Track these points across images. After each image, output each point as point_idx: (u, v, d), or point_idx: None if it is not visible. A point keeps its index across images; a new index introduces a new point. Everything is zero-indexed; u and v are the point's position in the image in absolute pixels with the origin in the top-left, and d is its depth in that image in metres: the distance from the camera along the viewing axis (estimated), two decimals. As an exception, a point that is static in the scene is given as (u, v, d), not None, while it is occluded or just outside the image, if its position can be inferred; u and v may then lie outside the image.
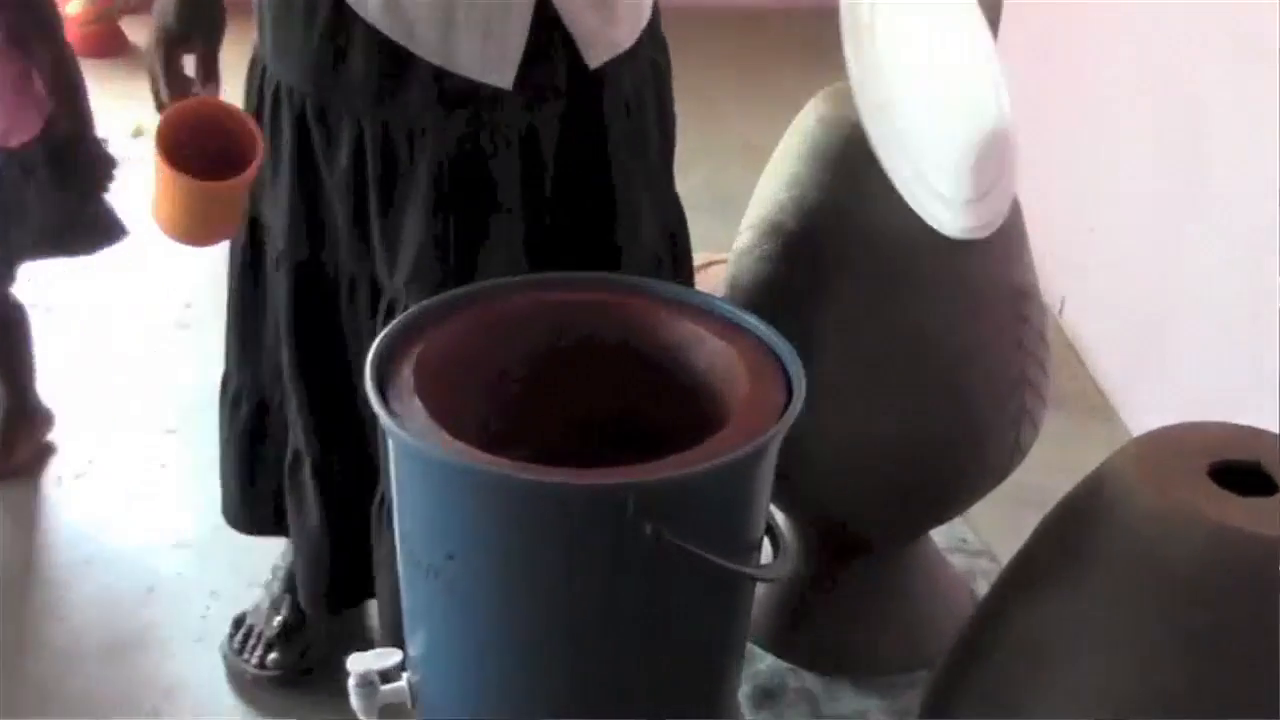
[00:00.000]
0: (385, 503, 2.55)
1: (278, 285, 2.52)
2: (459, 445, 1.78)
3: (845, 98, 2.47)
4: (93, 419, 3.80)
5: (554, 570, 1.82)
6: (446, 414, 1.84)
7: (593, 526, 1.78)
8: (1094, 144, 3.25)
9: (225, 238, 2.31)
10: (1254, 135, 2.93)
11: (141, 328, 4.13)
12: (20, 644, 2.98)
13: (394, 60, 2.28)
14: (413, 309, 2.03)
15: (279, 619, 2.72)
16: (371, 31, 2.26)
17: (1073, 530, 1.89)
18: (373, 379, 1.86)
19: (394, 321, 2.00)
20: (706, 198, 3.73)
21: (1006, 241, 2.48)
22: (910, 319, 2.42)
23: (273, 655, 2.72)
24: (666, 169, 2.65)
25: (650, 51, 2.53)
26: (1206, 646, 1.76)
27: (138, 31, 4.98)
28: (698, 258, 3.37)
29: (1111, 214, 3.49)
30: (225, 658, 2.78)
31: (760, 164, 2.59)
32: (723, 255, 2.74)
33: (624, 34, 2.43)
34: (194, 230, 2.24)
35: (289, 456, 2.69)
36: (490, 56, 2.28)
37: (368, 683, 2.01)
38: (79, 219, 3.53)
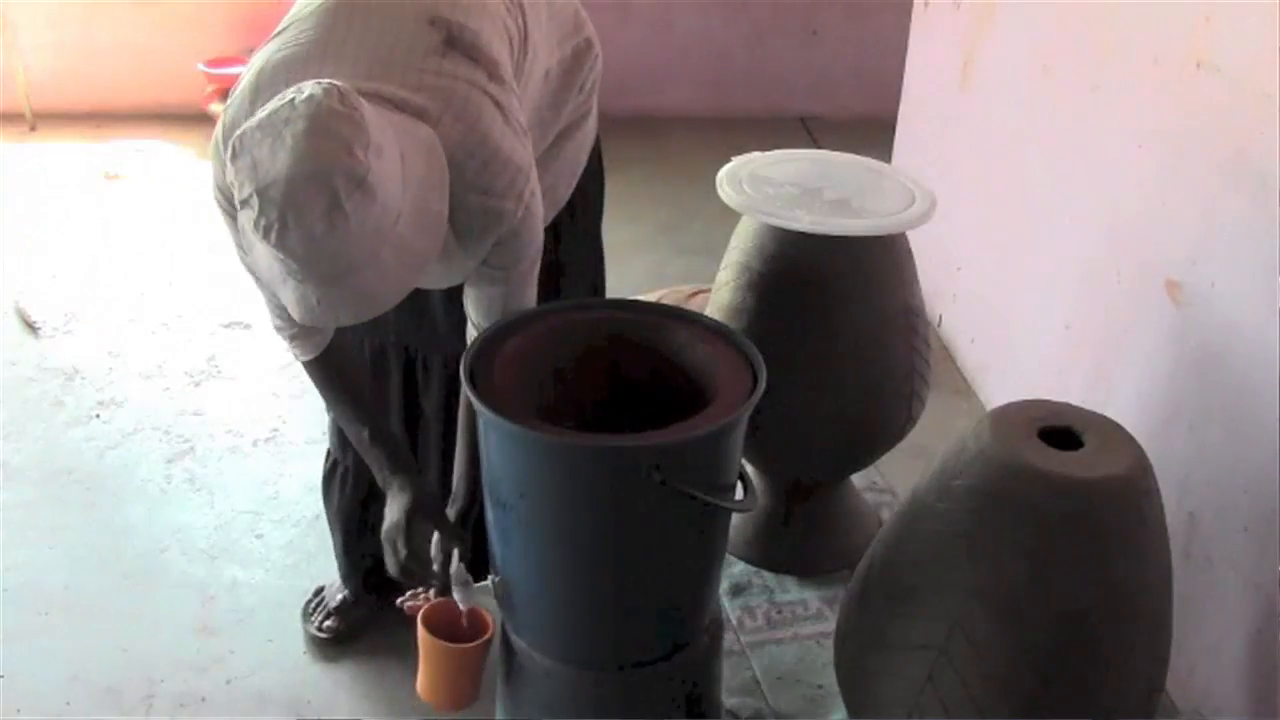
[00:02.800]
0: None
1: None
2: (526, 419, 1.79)
3: (791, 179, 2.49)
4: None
5: (592, 505, 1.84)
6: (518, 395, 1.84)
7: (618, 475, 1.80)
8: (960, 212, 3.27)
9: (473, 698, 2.06)
10: (1062, 206, 2.95)
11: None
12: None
13: None
14: (491, 326, 1.98)
15: (340, 596, 2.66)
16: None
17: (946, 475, 1.90)
18: (466, 373, 1.86)
19: (482, 332, 1.97)
20: (699, 245, 3.74)
21: (902, 274, 2.50)
22: (836, 329, 2.44)
23: (328, 622, 2.66)
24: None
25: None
26: (1037, 552, 1.79)
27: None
28: (689, 288, 3.38)
29: (972, 258, 3.51)
30: (302, 614, 2.73)
31: (733, 223, 2.59)
32: (708, 286, 2.75)
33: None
34: (446, 690, 2.05)
35: (328, 465, 2.55)
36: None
37: (464, 580, 2.01)
38: None
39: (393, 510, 2.04)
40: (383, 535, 2.03)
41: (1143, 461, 1.84)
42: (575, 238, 2.36)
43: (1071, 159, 2.95)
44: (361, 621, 2.63)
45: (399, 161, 1.61)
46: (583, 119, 2.28)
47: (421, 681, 2.06)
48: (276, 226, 1.53)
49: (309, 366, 2.08)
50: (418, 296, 2.31)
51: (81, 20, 5.14)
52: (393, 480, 2.06)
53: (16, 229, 4.32)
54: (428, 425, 2.41)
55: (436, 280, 1.98)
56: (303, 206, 1.52)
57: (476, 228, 1.80)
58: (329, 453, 2.55)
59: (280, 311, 1.96)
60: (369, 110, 1.59)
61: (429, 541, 2.02)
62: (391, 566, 2.03)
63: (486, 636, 2.03)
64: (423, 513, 2.01)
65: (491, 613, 2.05)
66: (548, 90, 2.14)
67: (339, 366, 2.08)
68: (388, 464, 2.07)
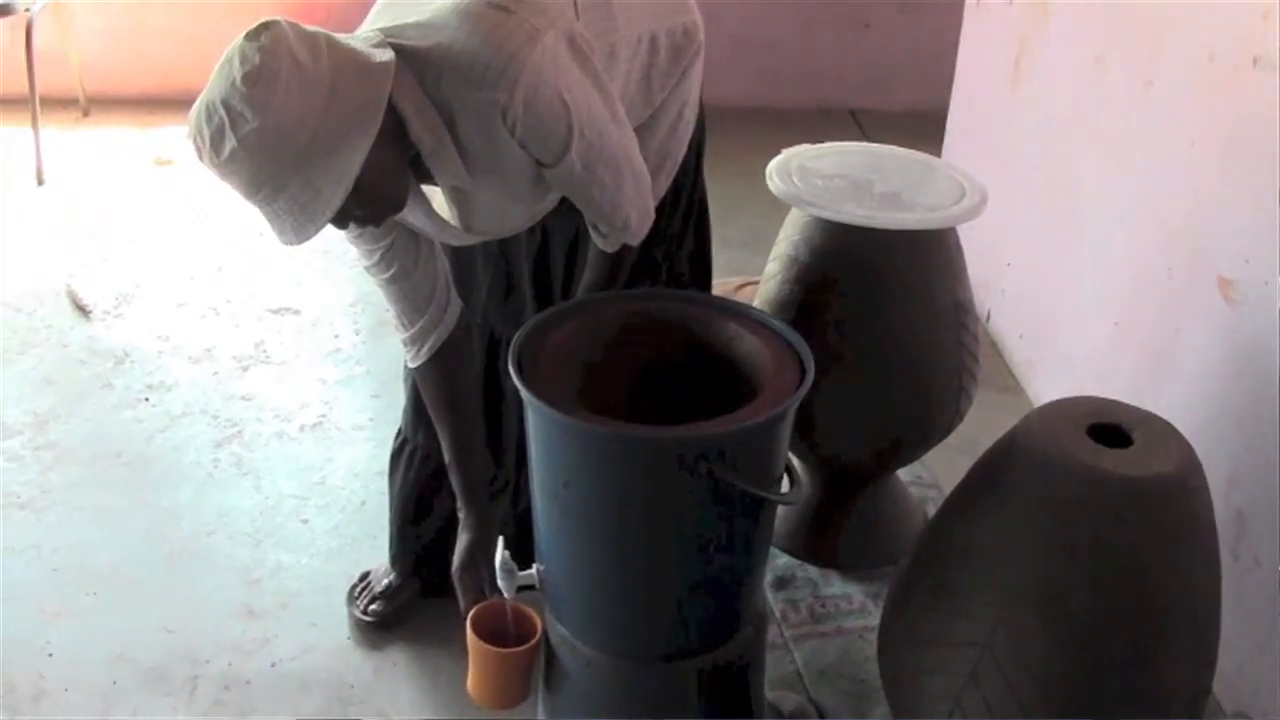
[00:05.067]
0: (507, 482, 2.53)
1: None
2: (572, 407, 1.80)
3: (841, 171, 2.48)
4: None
5: (637, 495, 1.84)
6: (564, 383, 1.85)
7: (664, 466, 1.80)
8: (1010, 207, 3.25)
9: (522, 699, 2.11)
10: (1113, 204, 2.93)
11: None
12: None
13: None
14: (539, 315, 2.02)
15: (386, 581, 2.67)
16: None
17: (993, 471, 1.90)
18: (514, 362, 1.86)
19: (528, 322, 1.99)
20: (746, 237, 3.73)
21: (952, 271, 2.48)
22: (885, 323, 2.43)
23: (374, 606, 2.67)
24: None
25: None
26: (1084, 549, 1.78)
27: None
28: (737, 280, 3.38)
29: (1022, 253, 3.49)
30: (347, 599, 2.74)
31: (782, 216, 2.59)
32: (755, 279, 2.75)
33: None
34: (494, 692, 2.10)
35: (397, 441, 2.58)
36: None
37: (509, 569, 2.02)
38: None
39: (458, 550, 2.18)
40: (453, 574, 2.17)
41: (1192, 460, 1.82)
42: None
43: (1124, 155, 2.93)
44: (406, 606, 2.65)
45: (319, 92, 1.67)
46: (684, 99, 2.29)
47: (471, 682, 2.10)
48: (194, 150, 1.71)
49: (419, 373, 2.19)
50: (507, 276, 2.33)
51: (134, 6, 5.18)
52: (462, 511, 2.19)
53: (69, 213, 4.37)
54: (509, 408, 2.43)
55: (509, 209, 2.04)
56: (201, 131, 1.68)
57: (484, 127, 1.83)
58: (400, 431, 2.57)
59: (398, 315, 2.13)
60: (296, 45, 1.68)
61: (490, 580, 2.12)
62: (462, 605, 2.14)
63: (534, 640, 2.05)
64: (479, 559, 2.15)
65: (538, 607, 2.07)
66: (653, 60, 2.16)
67: (446, 375, 2.17)
68: (463, 494, 2.19)
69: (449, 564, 2.18)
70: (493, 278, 2.36)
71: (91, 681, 2.52)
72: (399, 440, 2.58)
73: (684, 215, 2.41)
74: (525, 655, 2.05)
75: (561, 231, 2.31)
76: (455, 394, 2.19)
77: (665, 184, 2.28)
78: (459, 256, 2.32)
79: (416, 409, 2.46)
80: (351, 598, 2.69)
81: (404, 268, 2.07)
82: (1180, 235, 2.64)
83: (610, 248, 2.11)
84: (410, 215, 2.00)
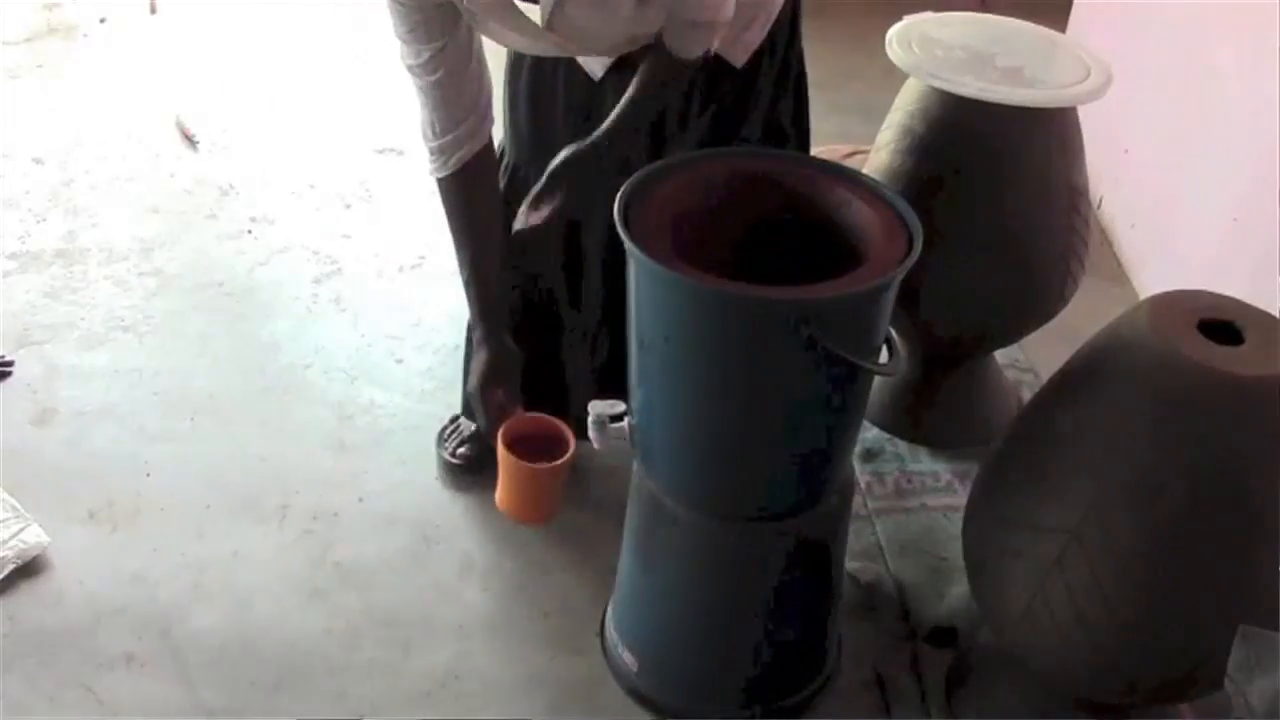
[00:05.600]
0: (584, 333, 2.50)
1: None
2: (678, 263, 1.77)
3: (964, 42, 2.41)
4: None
5: (736, 355, 1.83)
6: (669, 238, 1.83)
7: (765, 327, 1.79)
8: (1134, 91, 3.15)
9: (553, 514, 2.15)
10: (1247, 93, 2.83)
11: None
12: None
13: None
14: (646, 168, 1.98)
15: (473, 426, 2.68)
16: None
17: (1098, 359, 1.86)
18: (620, 215, 1.85)
19: (634, 175, 1.96)
20: (856, 105, 3.66)
21: (1069, 153, 2.43)
22: (996, 201, 2.38)
23: (462, 449, 2.69)
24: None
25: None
26: (1184, 445, 1.75)
27: None
28: (846, 147, 3.32)
29: (1141, 140, 3.39)
30: (436, 440, 2.76)
31: (896, 84, 2.53)
32: (866, 147, 2.70)
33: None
34: (527, 508, 2.12)
35: None
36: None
37: (601, 422, 2.03)
38: None
39: (474, 370, 2.18)
40: (470, 393, 2.18)
41: (1306, 361, 1.78)
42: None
43: (1260, 41, 2.81)
44: (493, 451, 2.67)
45: None
46: None
47: (501, 496, 2.12)
48: None
49: (442, 185, 2.14)
50: (587, 120, 2.30)
51: None
52: (478, 327, 2.18)
53: (180, 44, 4.38)
54: (590, 261, 2.41)
55: (605, 21, 1.99)
56: None
57: None
58: None
59: (432, 121, 2.06)
60: None
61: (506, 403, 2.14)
62: (483, 424, 2.17)
63: (567, 456, 2.06)
64: (497, 378, 2.16)
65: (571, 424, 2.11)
66: None
67: (469, 193, 2.13)
68: (478, 307, 2.17)
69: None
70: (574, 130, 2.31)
71: (186, 503, 2.58)
72: None
73: (780, 74, 2.34)
74: (558, 471, 2.06)
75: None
76: (478, 213, 2.15)
77: (760, 35, 2.22)
78: (538, 104, 2.29)
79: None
80: (441, 439, 2.72)
81: (451, 73, 2.02)
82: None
83: (693, 50, 2.02)
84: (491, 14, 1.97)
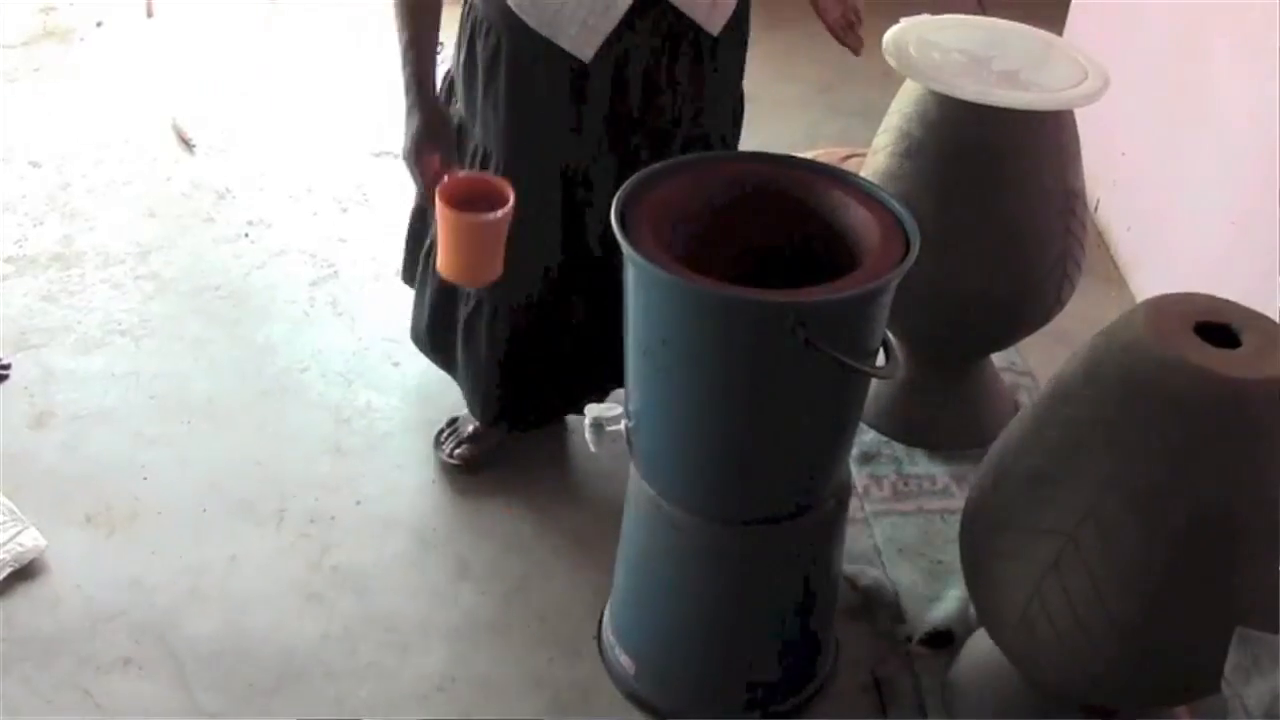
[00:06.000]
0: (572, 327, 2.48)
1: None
2: (675, 267, 1.78)
3: (960, 45, 2.41)
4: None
5: (733, 357, 1.84)
6: (666, 241, 1.84)
7: (762, 330, 1.79)
8: (1131, 94, 3.16)
9: (495, 274, 2.12)
10: (1245, 95, 2.83)
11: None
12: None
13: None
14: (643, 171, 1.98)
15: (471, 427, 2.69)
16: None
17: (1094, 363, 1.86)
18: (617, 218, 1.85)
19: (630, 179, 1.96)
20: (855, 106, 3.65)
21: (1065, 155, 2.43)
22: (993, 204, 2.39)
23: (460, 450, 2.69)
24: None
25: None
26: (1181, 450, 1.75)
27: None
28: (844, 150, 3.33)
29: (1138, 143, 3.39)
30: (433, 442, 2.77)
31: (894, 87, 2.54)
32: (863, 150, 2.71)
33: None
34: (469, 267, 2.10)
35: (469, 308, 2.49)
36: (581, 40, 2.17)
37: (598, 425, 2.03)
38: None
39: (408, 133, 2.16)
40: (403, 158, 2.18)
41: (1302, 364, 1.78)
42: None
43: (1258, 42, 2.82)
44: (491, 451, 2.68)
45: None
46: None
47: (441, 258, 2.11)
48: None
49: None
50: (578, 115, 2.28)
51: None
52: (410, 93, 2.16)
53: (177, 47, 4.37)
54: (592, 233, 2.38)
55: None
56: None
57: None
58: (469, 294, 2.52)
59: None
60: None
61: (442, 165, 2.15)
62: (420, 186, 2.19)
63: (506, 209, 2.04)
64: (432, 139, 2.15)
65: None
66: None
67: None
68: (413, 72, 2.15)
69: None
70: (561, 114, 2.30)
71: (183, 507, 2.58)
72: (471, 304, 2.51)
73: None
74: (499, 224, 2.04)
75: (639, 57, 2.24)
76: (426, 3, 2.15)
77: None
78: (519, 102, 2.28)
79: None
80: (438, 441, 2.73)
81: None
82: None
83: None
84: None
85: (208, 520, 2.56)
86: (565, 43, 2.16)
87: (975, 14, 2.67)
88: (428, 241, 2.54)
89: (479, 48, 2.27)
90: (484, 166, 2.32)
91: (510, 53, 2.22)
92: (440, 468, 2.69)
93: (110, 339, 3.01)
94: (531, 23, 2.17)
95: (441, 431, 2.74)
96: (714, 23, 2.22)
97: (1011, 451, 1.98)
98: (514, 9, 2.17)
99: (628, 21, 2.14)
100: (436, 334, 2.60)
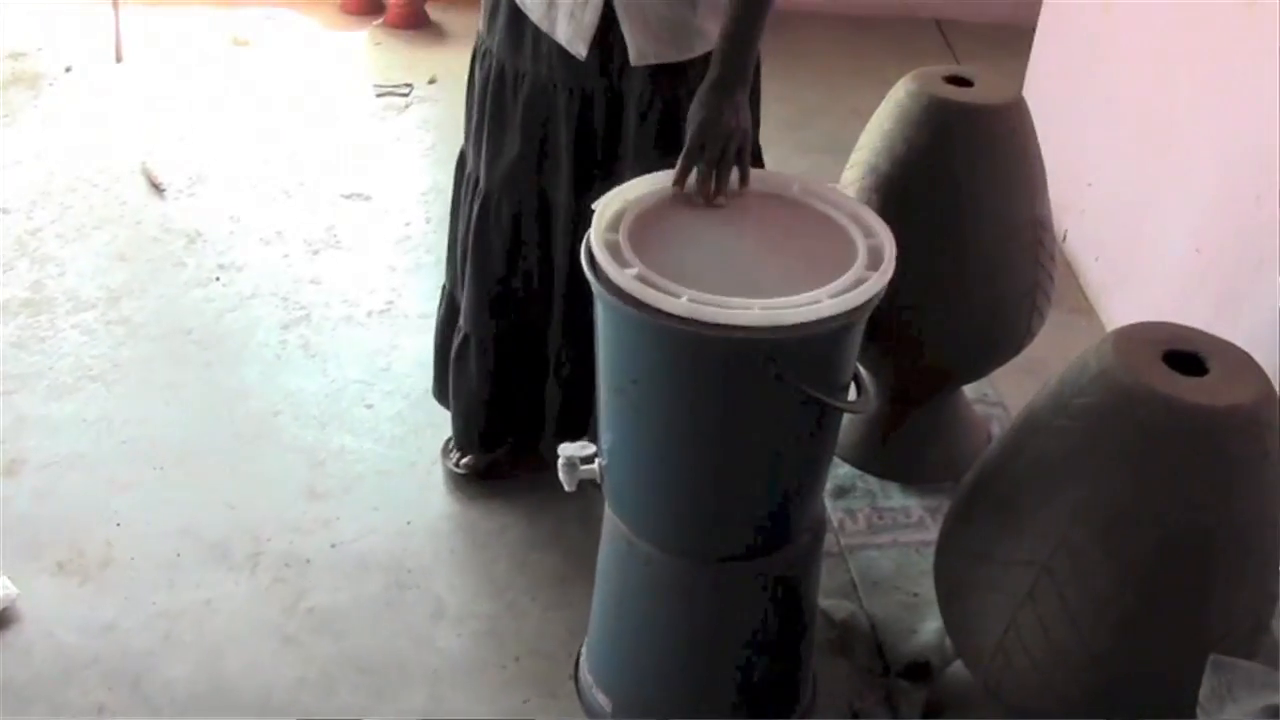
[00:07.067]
0: (554, 362, 2.50)
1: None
2: (642, 302, 1.77)
3: (927, 78, 2.43)
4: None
5: (704, 394, 1.85)
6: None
7: (733, 366, 1.79)
8: (1095, 126, 3.19)
9: None
10: (1204, 125, 2.87)
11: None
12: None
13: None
14: (613, 191, 1.98)
15: None
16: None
17: (1065, 394, 1.88)
18: (587, 257, 1.85)
19: (604, 197, 1.96)
20: (825, 143, 3.67)
21: (1032, 187, 2.45)
22: (962, 237, 2.40)
23: (465, 460, 2.70)
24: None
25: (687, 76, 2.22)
26: (1152, 478, 1.76)
27: (436, 12, 4.90)
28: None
29: (1104, 174, 3.42)
30: (441, 451, 2.77)
31: (862, 122, 2.56)
32: (832, 185, 2.71)
33: (670, 52, 2.21)
34: None
35: (458, 338, 2.56)
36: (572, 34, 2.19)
37: (571, 464, 2.03)
38: None
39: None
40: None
41: (1268, 392, 1.80)
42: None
43: (1218, 76, 2.86)
44: (499, 462, 2.71)
45: None
46: None
47: None
48: None
49: None
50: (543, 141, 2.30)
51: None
52: None
53: (146, 92, 4.37)
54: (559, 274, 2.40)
55: None
56: None
57: None
58: (459, 327, 2.56)
59: None
60: None
61: None
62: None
63: None
64: None
65: None
66: None
67: None
68: None
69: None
70: (525, 144, 2.32)
71: (156, 552, 2.57)
72: (460, 336, 2.56)
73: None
74: None
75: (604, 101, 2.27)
76: None
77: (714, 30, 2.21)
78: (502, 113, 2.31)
79: (476, 300, 2.47)
80: (445, 450, 2.76)
81: None
82: (1272, 161, 2.58)
83: None
84: None
85: (181, 565, 2.54)
86: (561, 36, 2.19)
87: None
88: (453, 348, 2.58)
89: (476, 73, 2.31)
90: (474, 193, 2.35)
91: (496, 77, 2.25)
92: (448, 475, 2.73)
93: (81, 385, 2.99)
94: (534, 16, 2.20)
95: (448, 440, 2.76)
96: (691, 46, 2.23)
97: (984, 483, 1.99)
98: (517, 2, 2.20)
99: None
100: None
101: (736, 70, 2.04)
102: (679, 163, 2.02)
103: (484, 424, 2.62)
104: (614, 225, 1.92)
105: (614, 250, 1.86)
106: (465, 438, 2.68)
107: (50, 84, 4.38)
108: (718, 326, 1.75)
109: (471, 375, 2.56)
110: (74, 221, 3.62)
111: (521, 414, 2.58)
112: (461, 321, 2.55)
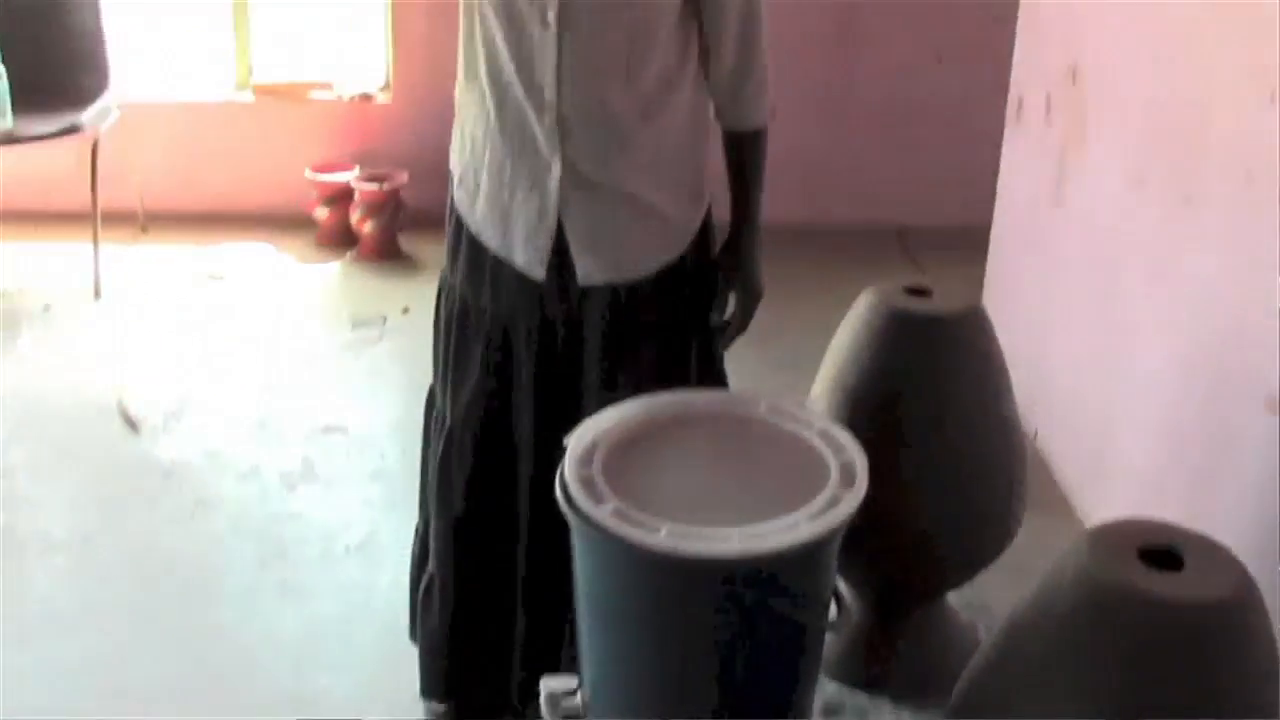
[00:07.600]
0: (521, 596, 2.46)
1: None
2: (608, 523, 1.76)
3: (888, 292, 2.47)
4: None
5: (681, 619, 1.81)
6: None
7: (711, 591, 1.77)
8: (1055, 325, 3.25)
9: None
10: (1163, 323, 2.92)
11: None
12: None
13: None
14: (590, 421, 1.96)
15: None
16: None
17: (1045, 597, 1.85)
18: (562, 493, 1.84)
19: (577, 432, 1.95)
20: (790, 358, 3.71)
21: (997, 387, 2.46)
22: (935, 445, 2.40)
23: (440, 709, 2.64)
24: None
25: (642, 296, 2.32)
26: (1140, 677, 1.73)
27: (408, 243, 4.99)
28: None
29: (1068, 371, 3.47)
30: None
31: (828, 335, 2.58)
32: (801, 399, 2.73)
33: (616, 273, 2.29)
34: None
35: (425, 579, 2.54)
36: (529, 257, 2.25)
37: (554, 699, 1.99)
38: None
39: None
40: None
41: (1246, 581, 1.79)
42: None
43: (1167, 271, 2.92)
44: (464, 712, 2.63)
45: None
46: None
47: None
48: None
49: None
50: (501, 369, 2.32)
51: (194, 125, 5.29)
52: None
53: (122, 327, 4.42)
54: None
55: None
56: None
57: None
58: (429, 571, 2.54)
59: None
60: None
61: None
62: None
63: None
64: None
65: None
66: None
67: None
68: None
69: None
70: (486, 379, 2.34)
71: (132, 802, 2.50)
72: (427, 577, 2.54)
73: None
74: None
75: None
76: None
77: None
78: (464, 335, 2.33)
79: (441, 538, 2.45)
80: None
81: None
82: (1226, 351, 2.62)
83: (753, 117, 2.38)
84: None
85: (157, 815, 2.48)
86: (519, 260, 2.22)
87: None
88: (424, 581, 2.54)
89: (441, 309, 2.34)
90: (441, 429, 2.35)
91: (460, 314, 2.28)
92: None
93: (50, 630, 2.95)
94: (492, 245, 2.24)
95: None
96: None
97: (974, 692, 1.95)
98: (473, 234, 2.24)
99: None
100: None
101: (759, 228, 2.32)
102: (732, 335, 2.44)
103: (448, 667, 2.56)
104: (587, 460, 1.91)
105: (589, 485, 1.85)
106: (429, 682, 2.61)
107: (29, 323, 4.43)
108: (699, 559, 1.73)
109: (434, 616, 2.51)
110: (48, 460, 3.62)
111: (486, 659, 2.52)
112: (429, 562, 2.53)
